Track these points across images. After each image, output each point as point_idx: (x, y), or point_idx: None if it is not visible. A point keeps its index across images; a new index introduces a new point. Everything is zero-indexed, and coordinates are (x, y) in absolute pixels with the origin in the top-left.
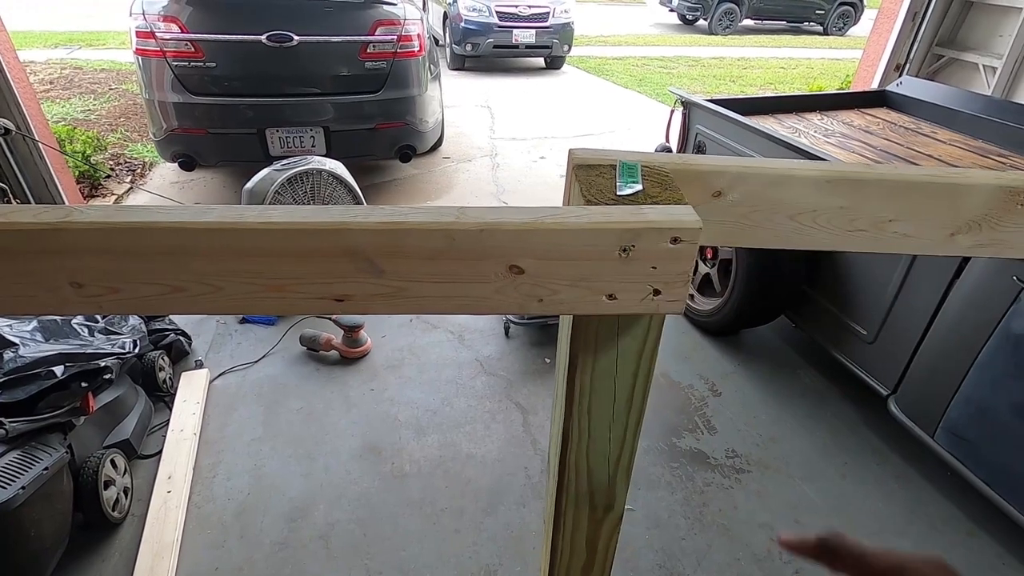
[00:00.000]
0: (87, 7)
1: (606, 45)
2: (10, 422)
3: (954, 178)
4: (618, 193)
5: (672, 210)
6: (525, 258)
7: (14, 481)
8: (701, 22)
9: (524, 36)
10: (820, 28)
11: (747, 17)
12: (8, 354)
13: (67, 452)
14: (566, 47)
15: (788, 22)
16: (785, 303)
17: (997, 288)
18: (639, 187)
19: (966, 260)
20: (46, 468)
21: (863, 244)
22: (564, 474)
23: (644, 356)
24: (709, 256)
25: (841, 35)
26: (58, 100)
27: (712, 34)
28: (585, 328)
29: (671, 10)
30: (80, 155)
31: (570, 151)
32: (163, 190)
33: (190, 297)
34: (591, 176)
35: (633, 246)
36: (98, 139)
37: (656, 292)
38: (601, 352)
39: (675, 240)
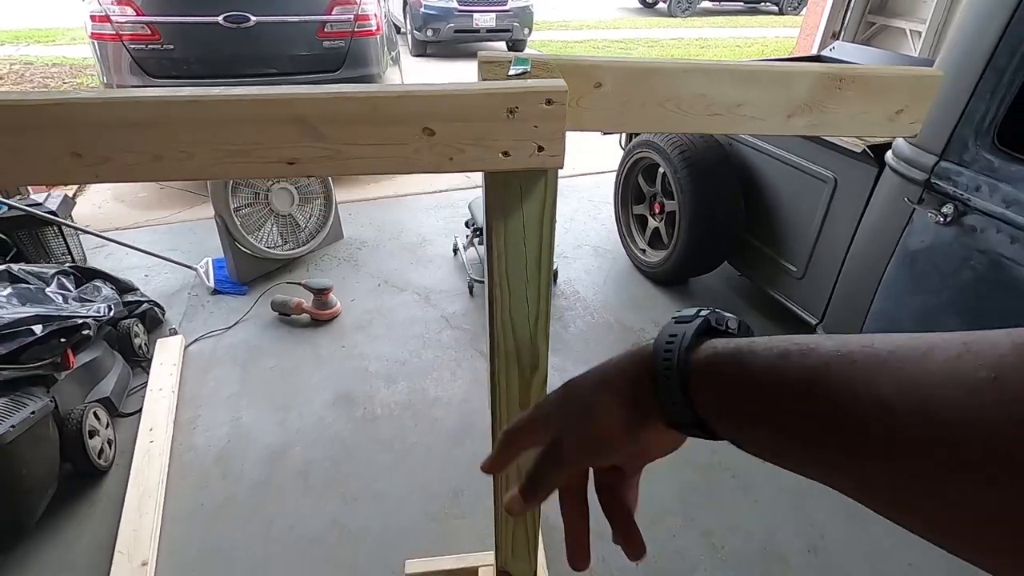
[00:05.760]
0: (33, 6)
1: (568, 29)
2: None
3: (786, 68)
4: (508, 74)
5: (545, 81)
6: (434, 121)
7: (4, 420)
8: (661, 5)
9: (484, 20)
10: (776, 8)
11: None
12: None
13: (51, 402)
14: (526, 30)
15: (745, 3)
16: (726, 250)
17: (894, 211)
18: (526, 68)
19: (871, 194)
20: (33, 412)
21: (720, 126)
22: (494, 334)
23: (544, 221)
24: (657, 211)
25: (796, 14)
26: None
27: (672, 16)
28: (495, 194)
29: None
30: None
31: (479, 54)
32: None
33: (168, 164)
34: (493, 69)
35: (517, 108)
36: None
37: (540, 148)
38: (510, 216)
39: (549, 102)
